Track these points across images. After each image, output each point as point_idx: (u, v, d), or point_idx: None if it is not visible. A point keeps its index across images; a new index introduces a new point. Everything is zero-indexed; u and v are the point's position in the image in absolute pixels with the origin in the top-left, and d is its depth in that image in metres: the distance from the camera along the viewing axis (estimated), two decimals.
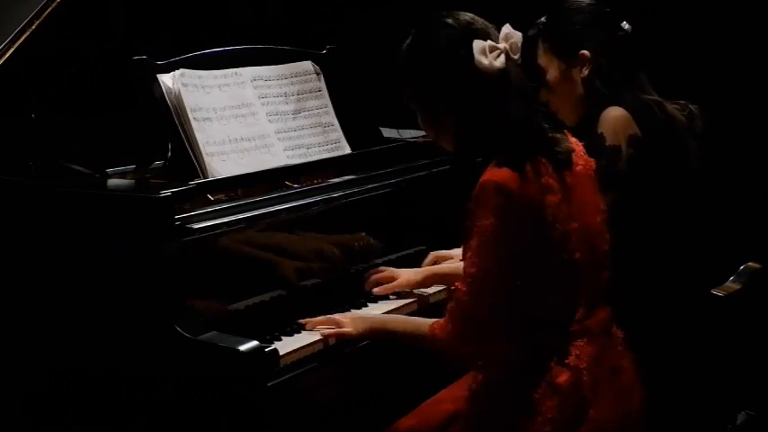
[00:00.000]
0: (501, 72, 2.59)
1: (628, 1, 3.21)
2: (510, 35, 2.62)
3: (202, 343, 2.67)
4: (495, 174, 2.53)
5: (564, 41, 3.14)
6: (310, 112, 3.36)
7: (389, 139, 3.61)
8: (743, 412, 3.21)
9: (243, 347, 2.63)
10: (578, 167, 2.65)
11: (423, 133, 3.68)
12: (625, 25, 3.16)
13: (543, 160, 2.57)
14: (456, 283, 2.62)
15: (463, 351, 2.63)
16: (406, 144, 3.60)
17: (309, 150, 3.30)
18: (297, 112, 3.32)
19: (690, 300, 3.03)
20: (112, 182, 3.01)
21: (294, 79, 3.35)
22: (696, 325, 3.02)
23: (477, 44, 2.57)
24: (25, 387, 2.91)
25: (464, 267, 2.59)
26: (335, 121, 3.40)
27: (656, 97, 3.12)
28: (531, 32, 3.17)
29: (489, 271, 2.53)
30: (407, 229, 3.40)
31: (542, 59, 3.17)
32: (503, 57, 2.58)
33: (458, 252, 3.19)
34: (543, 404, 2.56)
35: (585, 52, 3.11)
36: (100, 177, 3.04)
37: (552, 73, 3.15)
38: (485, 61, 2.56)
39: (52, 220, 2.85)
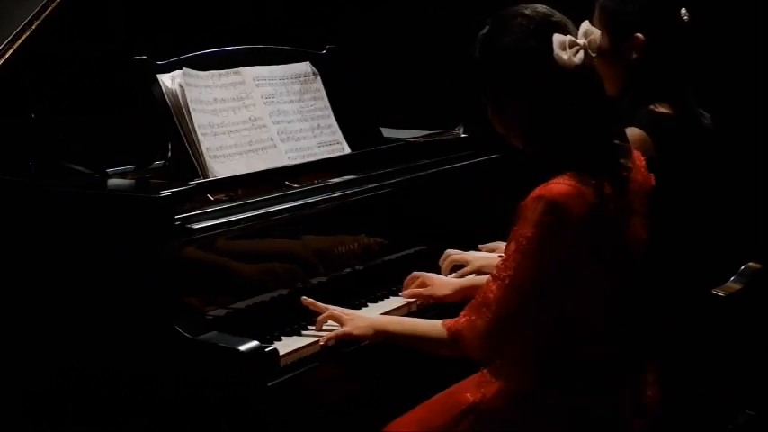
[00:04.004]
0: (578, 69, 2.51)
1: None
2: (590, 32, 2.54)
3: (202, 343, 2.67)
4: (554, 189, 2.47)
5: (620, 19, 3.01)
6: (310, 113, 3.36)
7: (389, 139, 3.60)
8: (743, 412, 3.21)
9: (243, 347, 2.63)
10: (635, 185, 2.61)
11: (423, 133, 3.72)
12: (684, 13, 3.04)
13: (602, 178, 2.51)
14: (488, 281, 2.56)
15: (484, 350, 2.56)
16: (406, 144, 3.60)
17: (310, 151, 3.30)
18: (296, 112, 3.32)
19: (690, 300, 3.03)
20: (112, 182, 3.01)
21: (293, 80, 3.35)
22: (697, 325, 3.01)
23: (558, 38, 2.49)
24: (25, 387, 2.91)
25: (497, 268, 2.54)
26: (335, 122, 3.40)
27: (693, 105, 3.07)
28: None
29: (522, 279, 2.49)
30: (407, 229, 3.40)
31: (596, 25, 2.94)
32: (582, 53, 2.50)
33: (474, 255, 3.20)
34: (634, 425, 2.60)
35: (640, 36, 3.01)
36: (100, 177, 3.04)
37: (602, 41, 3.04)
38: (564, 56, 2.48)
39: (52, 220, 2.85)
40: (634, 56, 3.04)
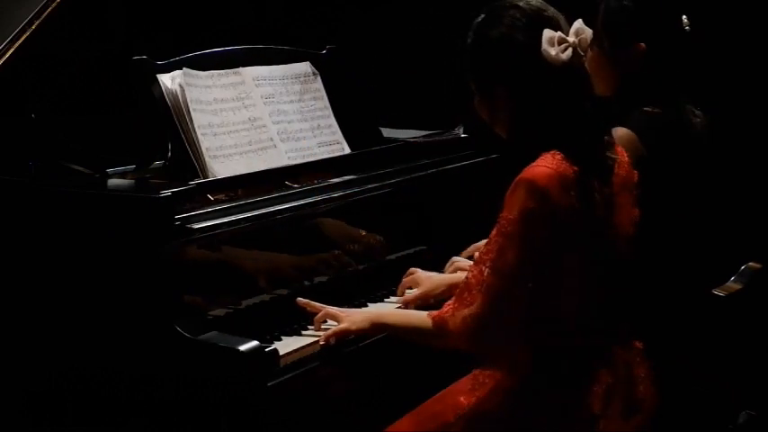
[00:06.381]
0: (566, 66, 2.52)
1: None
2: (581, 30, 2.55)
3: (202, 343, 2.67)
4: (536, 172, 2.49)
5: (623, 28, 3.00)
6: (310, 113, 3.36)
7: (389, 139, 3.61)
8: (743, 412, 3.21)
9: (243, 347, 2.63)
10: (619, 178, 2.62)
11: (423, 133, 3.72)
12: (686, 23, 3.05)
13: (586, 166, 2.52)
14: (471, 267, 2.58)
15: (469, 338, 2.55)
16: (406, 144, 3.60)
17: (310, 151, 3.30)
18: (296, 112, 3.32)
19: (691, 300, 3.03)
20: (112, 182, 3.01)
21: (293, 80, 3.35)
22: (697, 325, 3.01)
23: (547, 33, 2.51)
24: (25, 387, 2.91)
25: (480, 253, 2.55)
26: (335, 122, 3.40)
27: (683, 105, 3.07)
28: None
29: (504, 262, 2.49)
30: (407, 229, 3.40)
31: (598, 26, 3.00)
32: (570, 50, 2.52)
33: None
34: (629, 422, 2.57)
35: (642, 45, 3.00)
36: (100, 177, 3.04)
37: (602, 42, 3.00)
38: (552, 52, 2.50)
39: (52, 220, 2.85)
40: (633, 63, 3.03)
